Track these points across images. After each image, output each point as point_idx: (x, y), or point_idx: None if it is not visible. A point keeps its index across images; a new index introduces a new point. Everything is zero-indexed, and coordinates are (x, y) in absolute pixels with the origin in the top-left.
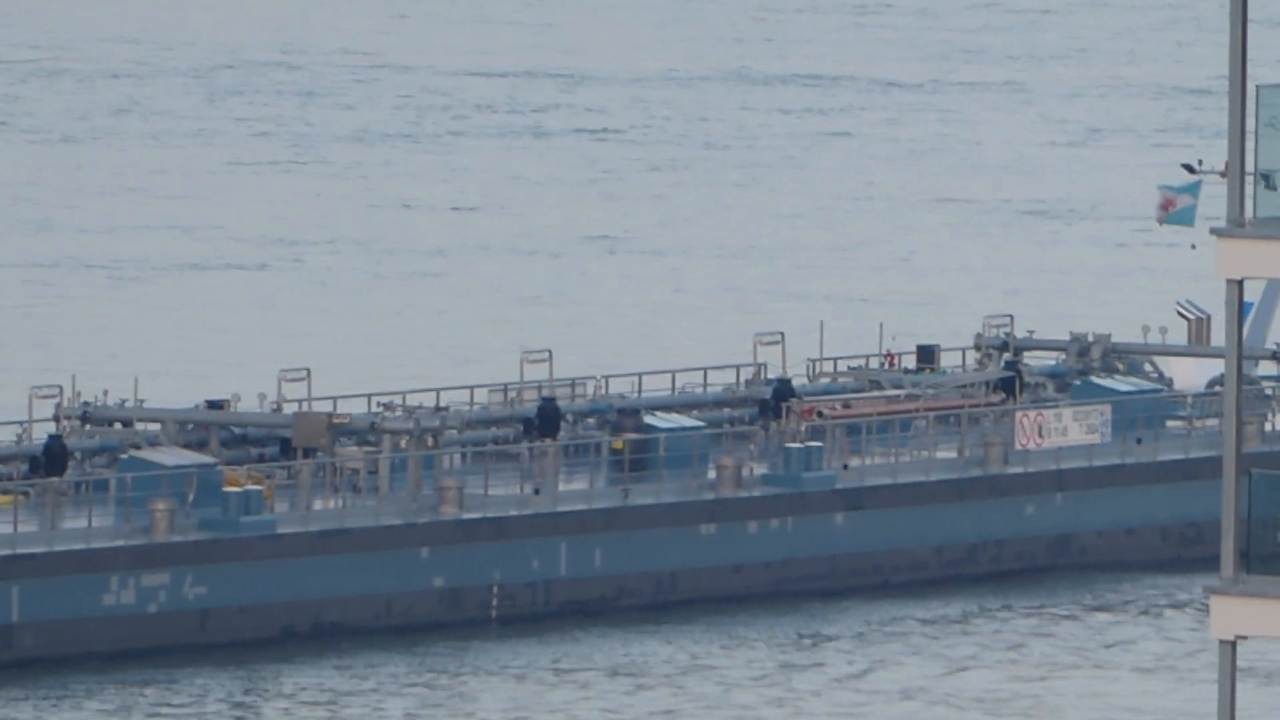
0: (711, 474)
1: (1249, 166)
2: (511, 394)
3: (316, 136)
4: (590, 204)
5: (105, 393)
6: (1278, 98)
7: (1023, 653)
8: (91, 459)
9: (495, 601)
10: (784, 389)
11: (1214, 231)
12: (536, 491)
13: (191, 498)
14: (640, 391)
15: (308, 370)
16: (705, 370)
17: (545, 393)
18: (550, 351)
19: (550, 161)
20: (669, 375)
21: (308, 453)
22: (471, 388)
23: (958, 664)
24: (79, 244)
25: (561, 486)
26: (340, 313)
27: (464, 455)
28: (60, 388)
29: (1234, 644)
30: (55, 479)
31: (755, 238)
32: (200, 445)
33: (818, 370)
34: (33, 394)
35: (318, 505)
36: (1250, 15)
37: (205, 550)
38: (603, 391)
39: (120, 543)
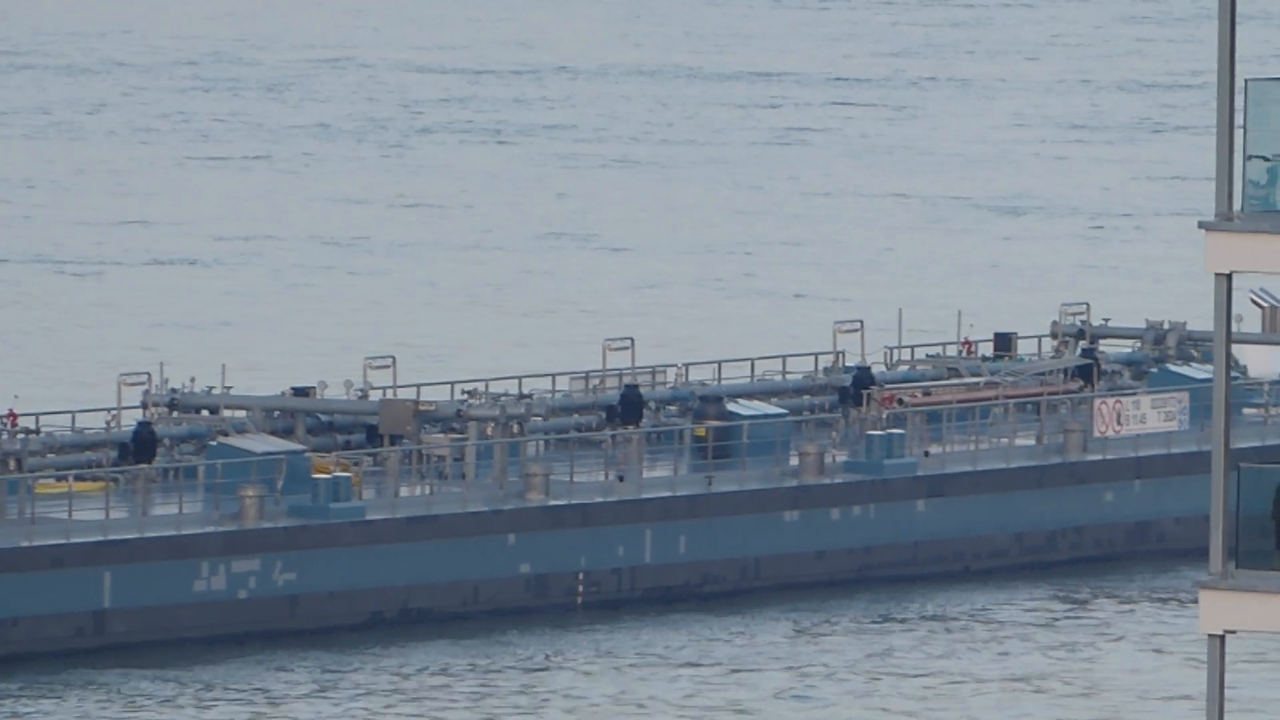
0: (794, 461)
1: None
2: (593, 382)
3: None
4: (647, 195)
5: (192, 380)
6: (1267, 91)
7: (1102, 636)
8: (180, 446)
9: (581, 588)
10: (864, 376)
11: (1202, 225)
12: (621, 479)
13: (281, 484)
14: (720, 379)
15: (393, 358)
16: (784, 358)
17: (627, 380)
18: (632, 339)
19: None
20: (748, 363)
21: (394, 439)
22: (553, 375)
23: (1040, 649)
24: (157, 235)
25: (645, 474)
26: (422, 302)
27: (546, 442)
28: (148, 375)
29: (1223, 638)
30: (145, 466)
31: (799, 232)
32: (286, 432)
33: (895, 358)
34: (121, 381)
35: (404, 492)
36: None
37: (295, 536)
38: (683, 379)
39: (211, 529)
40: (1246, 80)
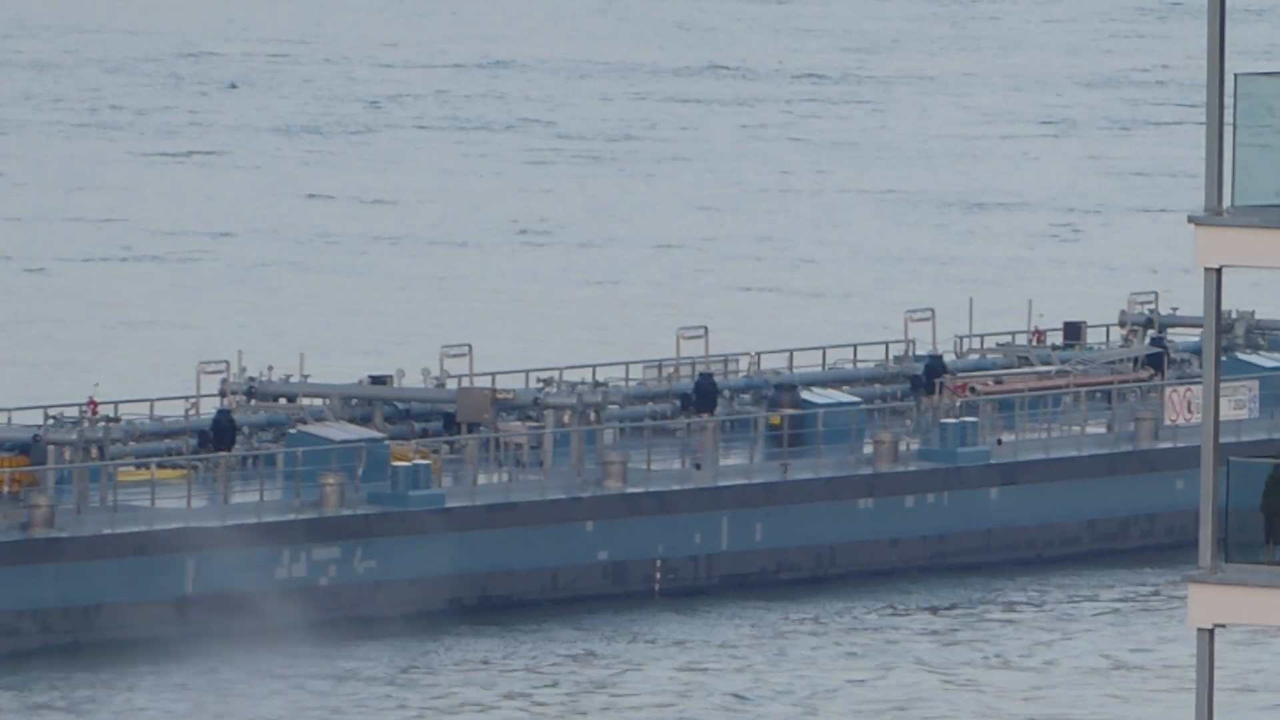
0: (868, 449)
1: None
2: (667, 370)
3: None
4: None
5: (270, 368)
6: (1256, 86)
7: (1174, 621)
8: (259, 434)
9: (658, 575)
10: (936, 365)
11: (1192, 220)
12: (698, 466)
13: (360, 472)
14: (792, 367)
15: (469, 346)
16: (854, 346)
17: (702, 369)
18: (706, 328)
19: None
20: (819, 351)
21: (471, 427)
22: (627, 363)
23: (1112, 636)
24: (237, 223)
25: (720, 461)
26: (495, 291)
27: (622, 430)
28: (227, 363)
29: (1212, 632)
30: (224, 453)
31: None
32: (364, 420)
33: (965, 347)
34: (200, 369)
35: (482, 479)
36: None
37: (375, 524)
38: (756, 367)
39: (292, 516)
40: (1236, 75)
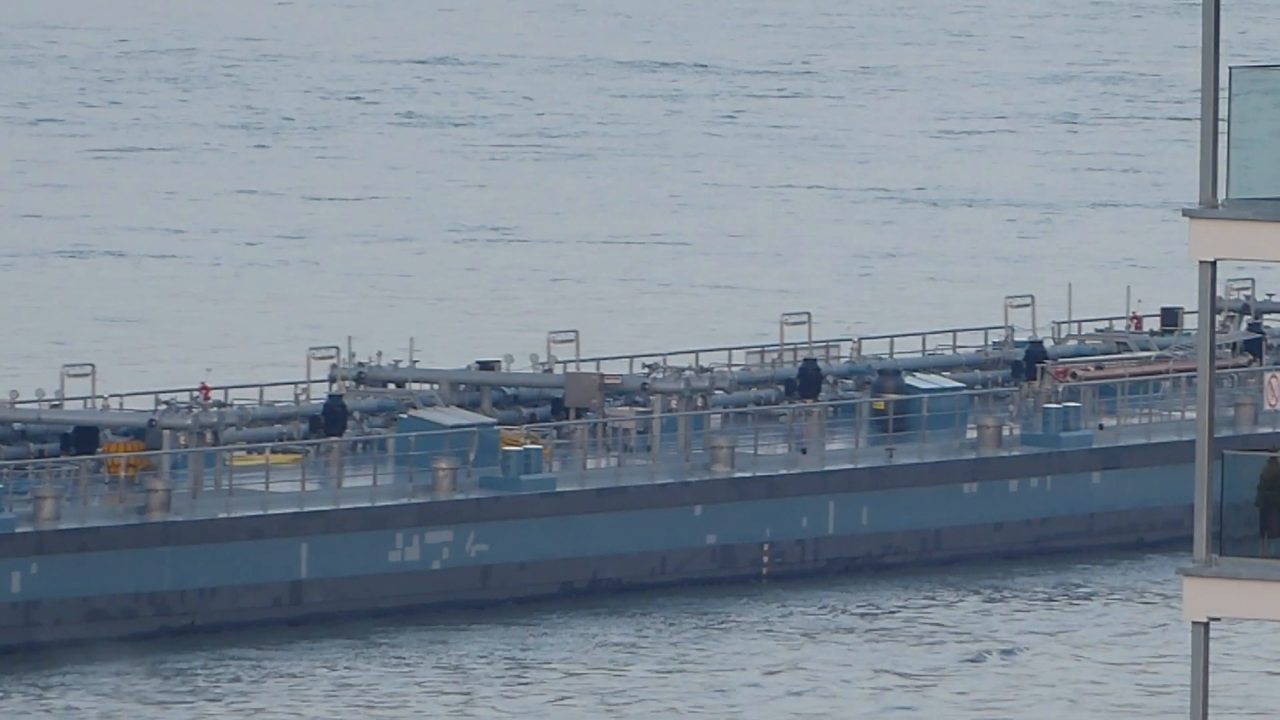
0: (971, 434)
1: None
2: (771, 356)
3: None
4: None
5: (379, 354)
6: (1251, 80)
7: None
8: (369, 419)
9: (766, 558)
10: (1036, 350)
11: (1186, 213)
12: (804, 451)
13: (472, 457)
14: (893, 353)
15: (576, 332)
16: (954, 332)
17: (806, 354)
18: (809, 314)
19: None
20: (919, 338)
21: (579, 412)
22: (729, 349)
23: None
24: (352, 208)
25: (825, 446)
26: (600, 277)
27: (726, 415)
28: (336, 349)
29: (1207, 625)
30: (336, 438)
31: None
32: (472, 405)
33: (1063, 333)
34: (310, 355)
35: (590, 464)
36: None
37: (487, 508)
38: (858, 353)
39: (405, 501)
40: (1231, 68)
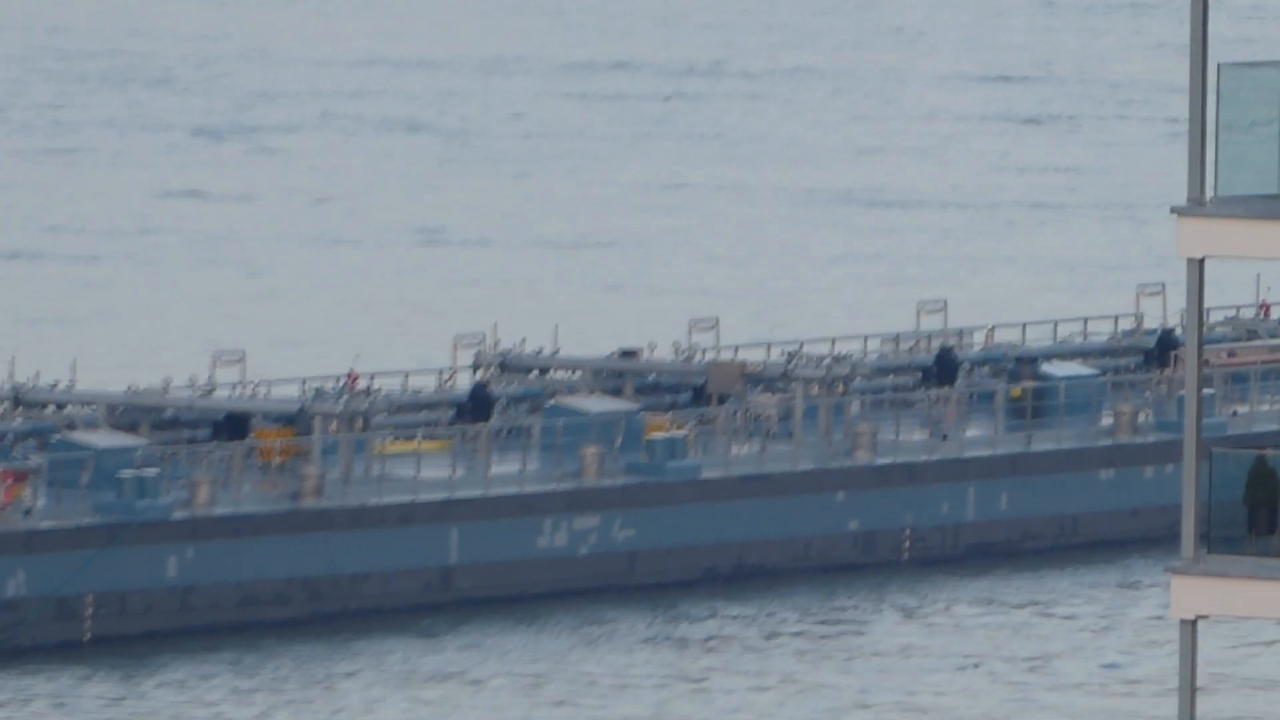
0: (1107, 420)
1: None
2: (907, 343)
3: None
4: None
5: (523, 341)
6: (1238, 77)
7: None
8: (515, 405)
9: (907, 544)
10: (1168, 338)
11: (1174, 210)
12: (944, 438)
13: (618, 443)
14: (1024, 341)
15: (716, 319)
16: (1084, 320)
17: (941, 342)
18: (945, 301)
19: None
20: (1050, 325)
21: (721, 399)
22: (865, 337)
23: None
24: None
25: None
26: (736, 265)
27: (863, 402)
28: (482, 336)
29: (1194, 623)
30: (483, 425)
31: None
32: (615, 393)
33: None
34: (456, 342)
35: (733, 450)
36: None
37: (633, 494)
38: (992, 341)
39: (553, 487)
40: (1219, 65)
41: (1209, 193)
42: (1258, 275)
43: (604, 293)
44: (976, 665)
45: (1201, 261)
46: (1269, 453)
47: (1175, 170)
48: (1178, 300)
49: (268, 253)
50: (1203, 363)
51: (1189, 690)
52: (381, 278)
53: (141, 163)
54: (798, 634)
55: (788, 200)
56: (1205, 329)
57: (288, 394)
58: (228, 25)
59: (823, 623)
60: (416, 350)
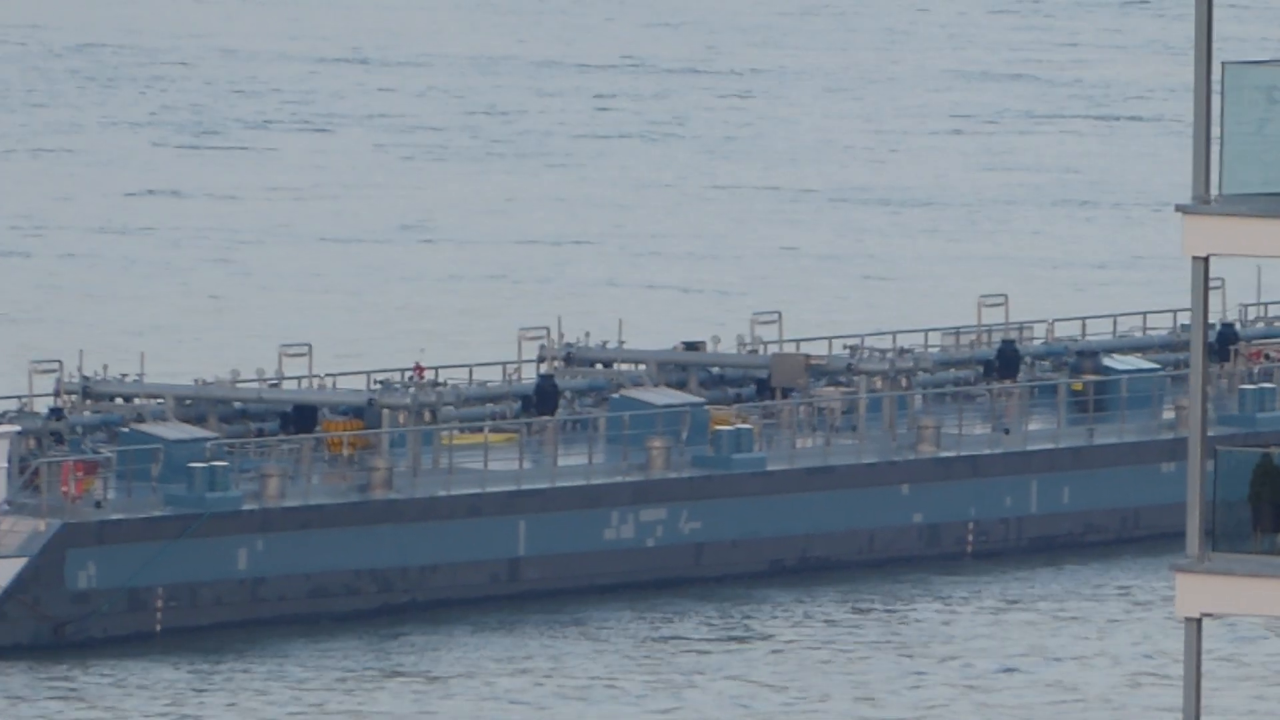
0: (1168, 414)
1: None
2: (968, 337)
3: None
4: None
5: (587, 334)
6: (1244, 76)
7: None
8: (580, 398)
9: (970, 537)
10: (1228, 333)
11: (1179, 208)
12: (1007, 431)
13: (684, 436)
14: (1084, 335)
15: (779, 313)
16: (1144, 314)
17: (1003, 336)
18: (1006, 296)
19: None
20: (1109, 319)
21: (785, 392)
22: (926, 330)
23: None
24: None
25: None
26: (799, 260)
27: (926, 396)
28: (546, 329)
29: (1199, 622)
30: (550, 417)
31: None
32: (678, 386)
33: (1250, 315)
34: (520, 335)
35: (798, 443)
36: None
37: (700, 486)
38: (1052, 334)
39: (619, 479)
40: (1224, 64)
41: (1214, 191)
42: (1258, 268)
43: (660, 290)
44: (1031, 660)
45: (1206, 259)
46: (1274, 451)
47: (1176, 170)
48: (1236, 295)
49: (324, 250)
50: (1249, 357)
51: (1194, 687)
52: (443, 272)
53: (207, 160)
54: (856, 626)
55: (833, 200)
56: (1264, 324)
57: (355, 386)
58: (204, 22)
59: (889, 612)
60: (479, 346)
